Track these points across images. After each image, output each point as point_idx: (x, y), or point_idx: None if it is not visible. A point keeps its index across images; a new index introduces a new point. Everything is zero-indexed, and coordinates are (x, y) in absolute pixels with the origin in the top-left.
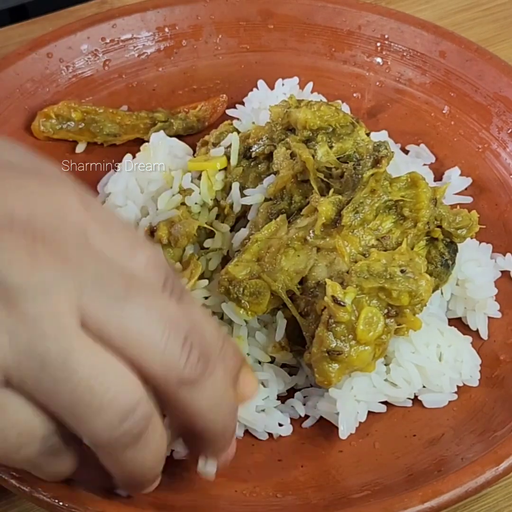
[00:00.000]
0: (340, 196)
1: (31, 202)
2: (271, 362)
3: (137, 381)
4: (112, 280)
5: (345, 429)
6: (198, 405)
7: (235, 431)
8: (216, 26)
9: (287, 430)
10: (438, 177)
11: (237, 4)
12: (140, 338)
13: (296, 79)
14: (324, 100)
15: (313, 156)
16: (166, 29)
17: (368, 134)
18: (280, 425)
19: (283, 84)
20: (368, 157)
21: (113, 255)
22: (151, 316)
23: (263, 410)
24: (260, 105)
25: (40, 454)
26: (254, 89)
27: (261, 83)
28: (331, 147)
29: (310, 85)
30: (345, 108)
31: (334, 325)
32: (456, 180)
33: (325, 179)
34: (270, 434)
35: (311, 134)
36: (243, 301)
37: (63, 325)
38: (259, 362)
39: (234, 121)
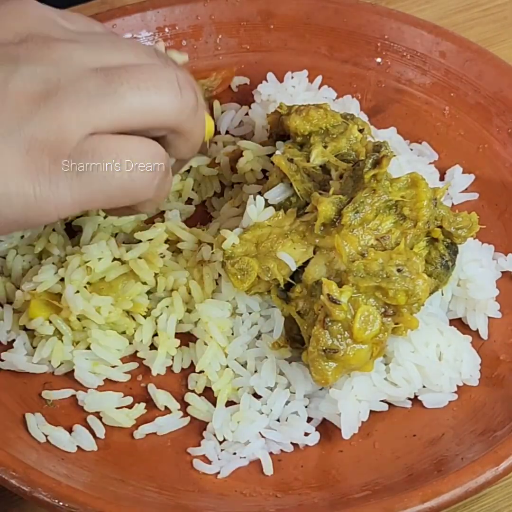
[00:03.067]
0: (340, 196)
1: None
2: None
3: (169, 72)
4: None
5: (348, 429)
6: (196, 128)
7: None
8: (216, 26)
9: (314, 438)
10: (439, 176)
11: (237, 4)
12: (155, 106)
13: (305, 72)
14: (334, 94)
15: (308, 159)
16: (166, 29)
17: (361, 130)
18: (306, 434)
19: (292, 77)
20: (368, 157)
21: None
22: (152, 86)
23: (286, 420)
24: (269, 98)
25: (166, 173)
26: (264, 81)
27: (270, 75)
28: (325, 147)
29: (319, 78)
30: (354, 103)
31: (330, 324)
32: (459, 178)
33: (313, 181)
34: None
35: (303, 139)
36: (230, 274)
37: (95, 75)
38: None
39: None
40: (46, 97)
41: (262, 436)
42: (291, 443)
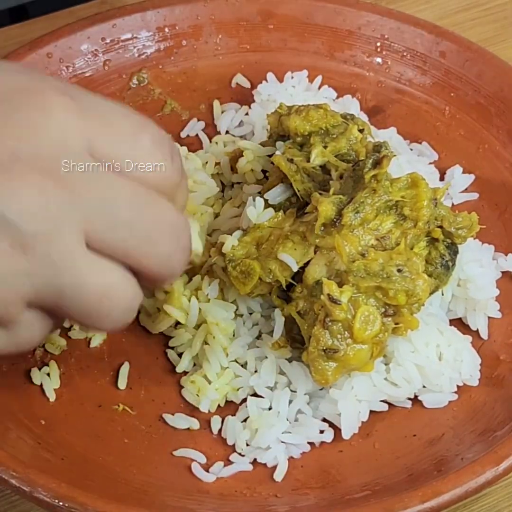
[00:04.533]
0: (341, 196)
1: (31, 136)
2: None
3: (132, 279)
4: (117, 203)
5: (348, 430)
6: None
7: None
8: (216, 26)
9: (329, 435)
10: (439, 176)
11: (237, 4)
12: (141, 247)
13: (305, 72)
14: (334, 94)
15: (308, 159)
16: (166, 29)
17: (361, 130)
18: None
19: (292, 77)
20: (368, 157)
21: (117, 153)
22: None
23: (296, 420)
24: (269, 98)
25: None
26: (263, 81)
27: (270, 75)
28: (325, 147)
29: (319, 78)
30: (354, 103)
31: (330, 324)
32: (459, 178)
33: (313, 182)
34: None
35: (303, 139)
36: (232, 277)
37: (73, 258)
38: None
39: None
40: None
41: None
42: (308, 442)
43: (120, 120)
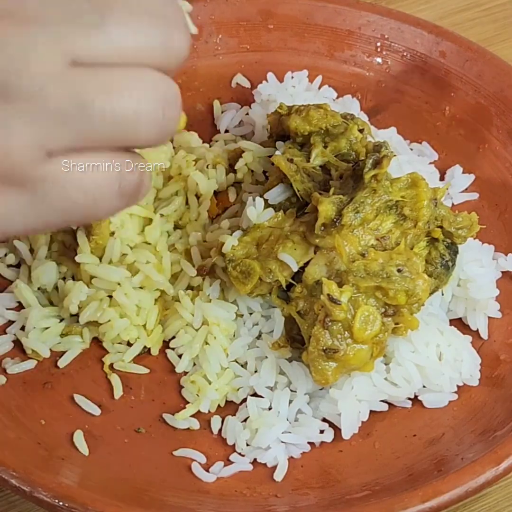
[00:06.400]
0: (341, 196)
1: None
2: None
3: (148, 72)
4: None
5: (348, 429)
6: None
7: None
8: (216, 26)
9: (329, 435)
10: (439, 176)
11: (237, 4)
12: (136, 44)
13: (305, 72)
14: (334, 93)
15: (308, 159)
16: None
17: (361, 130)
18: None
19: (292, 77)
20: (368, 157)
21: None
22: (133, 24)
23: (296, 420)
24: (269, 98)
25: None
26: (264, 81)
27: (270, 75)
28: (325, 147)
29: (319, 78)
30: (354, 103)
31: (330, 324)
32: (459, 178)
33: (313, 182)
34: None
35: (303, 139)
36: (232, 277)
37: (61, 79)
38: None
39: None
40: None
41: (281, 441)
42: (308, 442)
43: None
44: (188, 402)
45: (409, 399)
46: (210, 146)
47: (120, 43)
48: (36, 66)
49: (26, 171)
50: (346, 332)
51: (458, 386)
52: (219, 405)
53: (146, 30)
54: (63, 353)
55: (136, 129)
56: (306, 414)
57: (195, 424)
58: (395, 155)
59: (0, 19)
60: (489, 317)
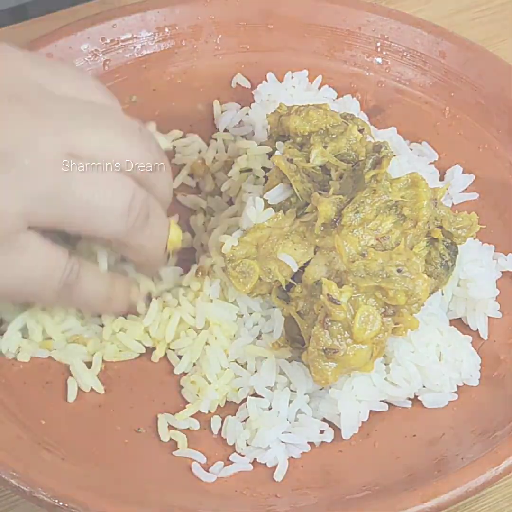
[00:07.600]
0: (340, 196)
1: None
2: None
3: (126, 177)
4: (81, 113)
5: (348, 430)
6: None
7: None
8: (216, 26)
9: (329, 435)
10: (439, 176)
11: (237, 4)
12: (117, 149)
13: (305, 72)
14: (334, 93)
15: (308, 159)
16: (166, 29)
17: (361, 131)
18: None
19: (292, 77)
20: (368, 157)
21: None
22: (119, 130)
23: (296, 420)
24: (269, 98)
25: (64, 284)
26: (263, 81)
27: (270, 75)
28: (325, 147)
29: (319, 78)
30: (354, 103)
31: (330, 324)
32: (459, 178)
33: (313, 182)
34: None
35: (303, 139)
36: (232, 277)
37: (57, 165)
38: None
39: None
40: None
41: (281, 441)
42: (308, 442)
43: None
44: (188, 402)
45: (409, 399)
46: (208, 146)
47: (109, 145)
48: (42, 149)
49: (8, 235)
50: (346, 332)
51: (458, 386)
52: (219, 405)
53: (130, 139)
54: None
55: (104, 219)
56: (306, 414)
57: (195, 424)
58: (395, 155)
59: (17, 103)
60: (489, 317)
